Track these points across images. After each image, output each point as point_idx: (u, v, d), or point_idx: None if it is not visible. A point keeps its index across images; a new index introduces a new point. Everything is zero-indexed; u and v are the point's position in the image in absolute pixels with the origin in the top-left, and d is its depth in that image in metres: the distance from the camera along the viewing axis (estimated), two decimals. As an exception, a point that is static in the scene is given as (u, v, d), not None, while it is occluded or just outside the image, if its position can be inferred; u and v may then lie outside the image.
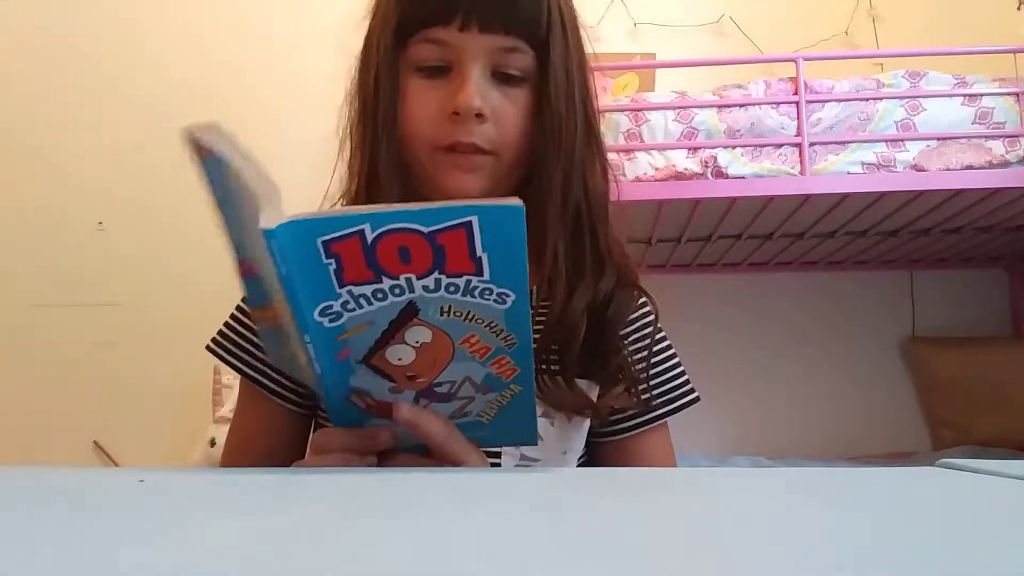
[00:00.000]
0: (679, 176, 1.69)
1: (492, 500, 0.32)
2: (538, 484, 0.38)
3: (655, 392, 0.70)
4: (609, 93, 1.89)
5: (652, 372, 0.70)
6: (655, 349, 0.71)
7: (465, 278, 0.44)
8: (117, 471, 0.42)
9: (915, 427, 2.31)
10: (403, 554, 0.20)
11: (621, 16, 2.38)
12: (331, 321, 0.45)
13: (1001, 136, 1.67)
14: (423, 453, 0.52)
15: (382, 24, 0.64)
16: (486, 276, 0.44)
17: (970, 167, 1.67)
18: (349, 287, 0.44)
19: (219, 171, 0.44)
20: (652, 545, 0.22)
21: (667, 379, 0.72)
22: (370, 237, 0.42)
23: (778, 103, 1.71)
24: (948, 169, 1.67)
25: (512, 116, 0.63)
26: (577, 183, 0.65)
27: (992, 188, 1.70)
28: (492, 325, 0.46)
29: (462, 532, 0.23)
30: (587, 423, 0.68)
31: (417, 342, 0.47)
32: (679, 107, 1.71)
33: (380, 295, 0.45)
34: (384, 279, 0.44)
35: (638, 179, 1.68)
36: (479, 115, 0.61)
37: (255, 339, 0.69)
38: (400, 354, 0.47)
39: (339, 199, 0.69)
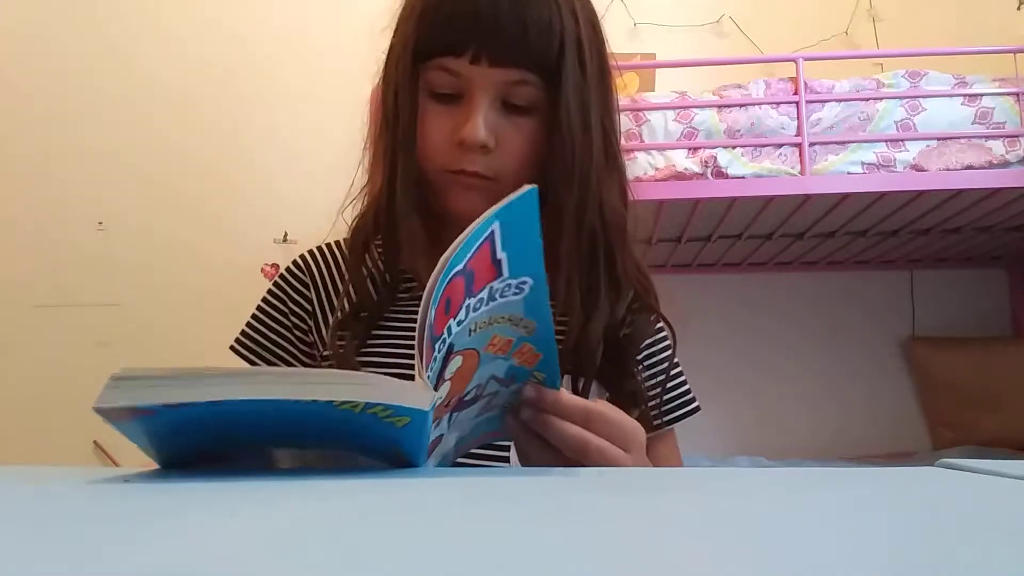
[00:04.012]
0: (679, 176, 1.69)
1: (493, 500, 0.32)
2: (539, 484, 0.38)
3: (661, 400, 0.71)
4: (609, 93, 1.89)
5: (657, 383, 0.71)
6: (672, 373, 0.71)
7: (488, 288, 0.40)
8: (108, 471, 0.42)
9: (915, 427, 2.32)
10: (403, 554, 0.20)
11: (621, 16, 2.38)
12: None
13: (1001, 136, 1.68)
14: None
15: (402, 44, 0.65)
16: (505, 274, 0.40)
17: (970, 167, 1.67)
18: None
19: (156, 420, 0.36)
20: (652, 545, 0.22)
21: (670, 388, 0.72)
22: (432, 315, 0.36)
23: (778, 103, 1.71)
24: (948, 169, 1.67)
25: (516, 145, 0.64)
26: (592, 208, 0.64)
27: (992, 188, 1.70)
28: (512, 318, 0.42)
29: (463, 533, 0.23)
30: None
31: (452, 373, 0.41)
32: (679, 107, 1.71)
33: (434, 364, 0.38)
34: (436, 345, 0.38)
35: (638, 179, 1.68)
36: (483, 146, 0.63)
37: (281, 340, 0.72)
38: (441, 394, 0.40)
39: (360, 193, 0.72)
